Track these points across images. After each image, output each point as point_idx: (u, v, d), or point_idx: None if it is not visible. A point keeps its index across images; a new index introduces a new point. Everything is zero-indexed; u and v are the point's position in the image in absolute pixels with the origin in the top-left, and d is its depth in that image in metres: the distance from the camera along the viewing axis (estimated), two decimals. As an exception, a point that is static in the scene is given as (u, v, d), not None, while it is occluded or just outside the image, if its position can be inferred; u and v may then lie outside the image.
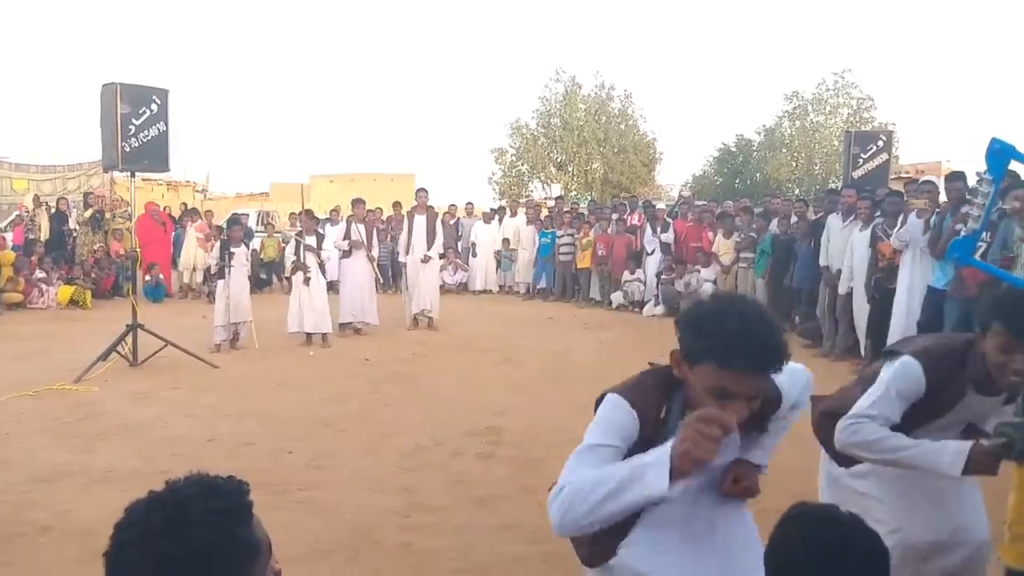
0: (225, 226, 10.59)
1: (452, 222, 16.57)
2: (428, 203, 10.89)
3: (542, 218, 15.77)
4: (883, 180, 10.16)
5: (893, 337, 7.24)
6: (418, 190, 11.18)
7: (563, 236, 14.06)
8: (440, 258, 14.18)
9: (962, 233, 3.08)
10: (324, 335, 9.35)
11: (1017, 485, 0.98)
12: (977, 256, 6.36)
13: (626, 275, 12.88)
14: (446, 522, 3.88)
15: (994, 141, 1.67)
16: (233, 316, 8.84)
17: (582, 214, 15.00)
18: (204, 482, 1.17)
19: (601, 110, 30.21)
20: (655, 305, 12.32)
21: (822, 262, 8.77)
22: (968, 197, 3.10)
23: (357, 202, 10.71)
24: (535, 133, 30.53)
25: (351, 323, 10.14)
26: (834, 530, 1.27)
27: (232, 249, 9.01)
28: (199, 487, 1.16)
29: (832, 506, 1.34)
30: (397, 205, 15.34)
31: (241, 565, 1.14)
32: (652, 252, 12.74)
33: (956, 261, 5.83)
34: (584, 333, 10.46)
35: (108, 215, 14.10)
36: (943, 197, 7.39)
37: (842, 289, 8.27)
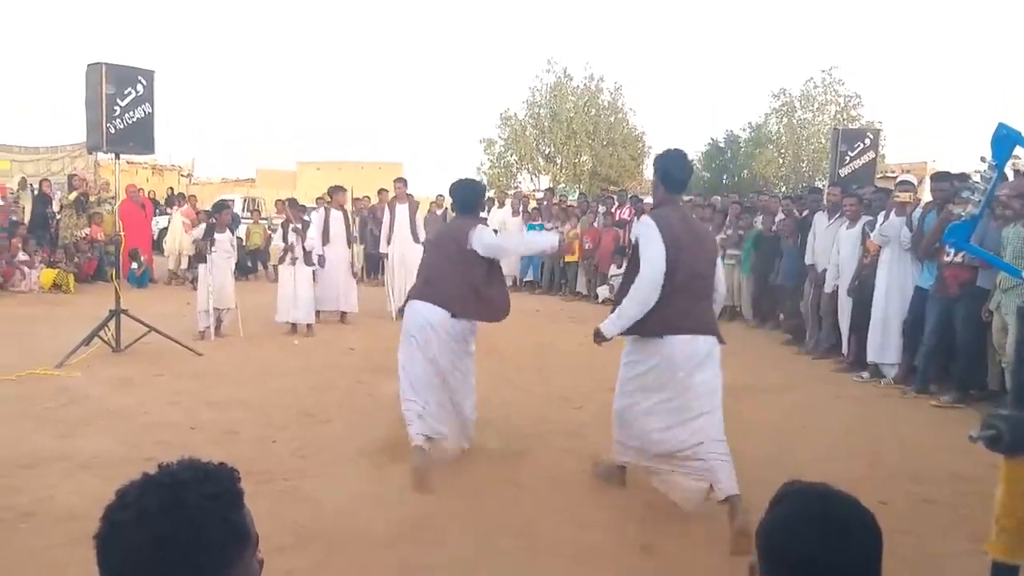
0: (212, 210, 10.46)
1: (440, 212, 16.52)
2: (408, 192, 10.74)
3: (530, 210, 15.75)
4: (869, 178, 10.23)
5: (873, 334, 7.30)
6: (396, 180, 10.89)
7: (551, 229, 14.06)
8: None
9: (961, 218, 3.09)
10: (308, 324, 9.33)
11: (1004, 478, 0.98)
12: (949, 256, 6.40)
13: (612, 269, 12.91)
14: (430, 516, 3.88)
15: (1001, 126, 1.68)
16: (215, 303, 8.76)
17: (571, 207, 15.01)
18: (198, 467, 1.17)
19: (591, 102, 30.14)
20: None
21: (808, 260, 8.82)
22: (970, 182, 3.12)
23: (335, 189, 10.55)
24: (524, 123, 30.44)
25: (328, 311, 10.08)
26: (828, 506, 1.25)
27: (216, 235, 8.94)
28: (194, 471, 1.16)
29: (823, 484, 1.30)
30: (383, 192, 13.56)
31: (232, 551, 1.14)
32: (639, 246, 12.70)
33: (952, 245, 5.80)
34: (570, 326, 10.47)
35: (93, 198, 13.96)
36: (924, 198, 7.46)
37: (827, 287, 8.31)
